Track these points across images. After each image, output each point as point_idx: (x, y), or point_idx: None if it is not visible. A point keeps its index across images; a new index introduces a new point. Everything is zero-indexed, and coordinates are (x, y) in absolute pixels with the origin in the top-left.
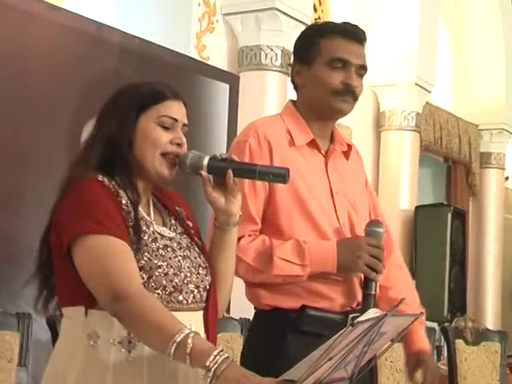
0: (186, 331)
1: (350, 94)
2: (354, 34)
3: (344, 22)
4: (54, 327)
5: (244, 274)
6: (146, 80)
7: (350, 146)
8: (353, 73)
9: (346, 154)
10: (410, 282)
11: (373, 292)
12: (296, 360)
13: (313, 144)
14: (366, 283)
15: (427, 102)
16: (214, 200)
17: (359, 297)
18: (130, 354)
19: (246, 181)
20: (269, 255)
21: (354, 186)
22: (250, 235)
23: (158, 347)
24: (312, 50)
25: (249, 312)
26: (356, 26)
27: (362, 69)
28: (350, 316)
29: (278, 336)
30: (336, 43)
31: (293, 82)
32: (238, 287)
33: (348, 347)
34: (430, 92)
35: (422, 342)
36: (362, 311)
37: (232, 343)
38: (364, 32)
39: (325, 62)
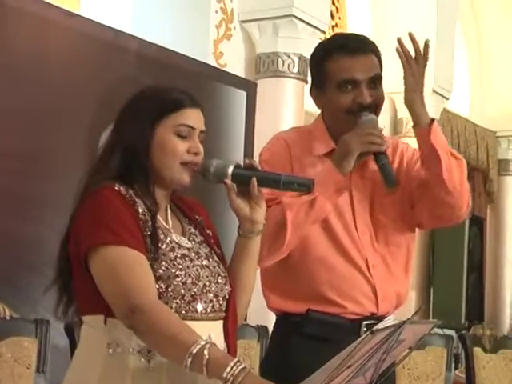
0: (202, 342)
1: (365, 110)
2: (357, 48)
3: (347, 36)
4: (71, 333)
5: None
6: (164, 85)
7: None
8: (363, 89)
9: None
10: None
11: (384, 161)
12: (302, 365)
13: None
14: (375, 157)
15: (444, 109)
16: (238, 208)
17: (372, 307)
18: (150, 363)
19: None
20: (280, 210)
21: (383, 187)
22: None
23: (174, 359)
24: (321, 76)
25: (266, 319)
26: (358, 38)
27: (374, 79)
28: (364, 323)
29: (284, 340)
30: (340, 64)
31: None
32: (255, 294)
33: (367, 354)
34: (447, 99)
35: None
36: (384, 178)
37: (249, 350)
38: (368, 40)
39: (334, 85)
